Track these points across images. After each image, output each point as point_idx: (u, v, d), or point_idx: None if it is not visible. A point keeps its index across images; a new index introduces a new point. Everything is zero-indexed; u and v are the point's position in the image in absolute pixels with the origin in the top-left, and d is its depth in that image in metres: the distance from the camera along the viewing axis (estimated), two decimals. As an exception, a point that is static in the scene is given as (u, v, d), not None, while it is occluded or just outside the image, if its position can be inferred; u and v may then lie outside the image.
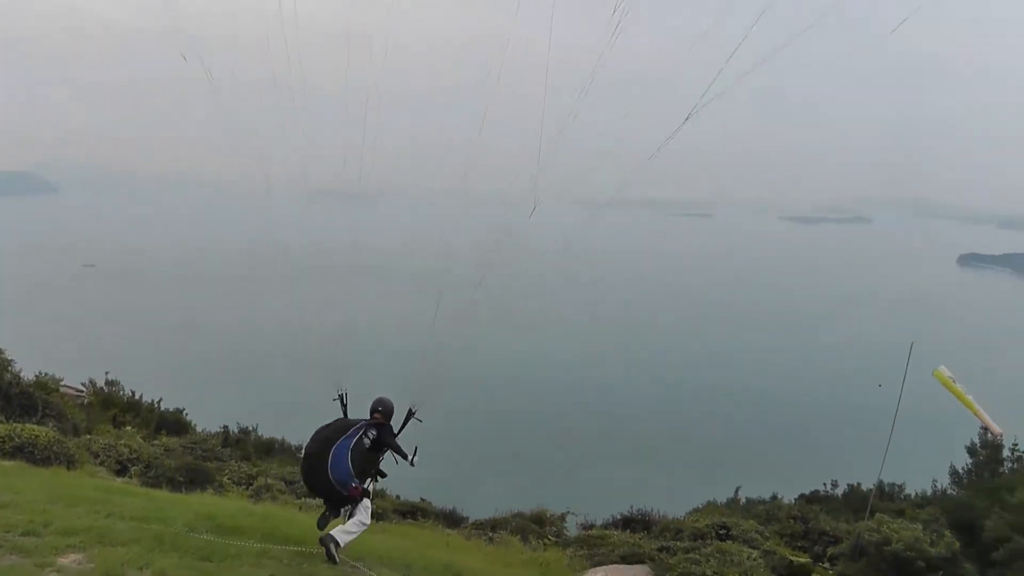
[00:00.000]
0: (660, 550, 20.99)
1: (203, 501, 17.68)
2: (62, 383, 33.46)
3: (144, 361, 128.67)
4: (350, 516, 12.56)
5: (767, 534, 24.39)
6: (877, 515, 22.47)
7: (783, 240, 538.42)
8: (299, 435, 39.00)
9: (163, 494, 18.74)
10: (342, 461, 12.06)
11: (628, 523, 26.85)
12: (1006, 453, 30.95)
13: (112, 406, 35.24)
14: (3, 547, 10.81)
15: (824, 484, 35.14)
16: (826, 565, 22.97)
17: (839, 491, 34.08)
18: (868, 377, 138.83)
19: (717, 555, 19.29)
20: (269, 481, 25.47)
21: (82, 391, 36.70)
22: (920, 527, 20.83)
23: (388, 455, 13.04)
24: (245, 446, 35.18)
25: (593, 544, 22.68)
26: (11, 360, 28.14)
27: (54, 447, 19.96)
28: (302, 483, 14.02)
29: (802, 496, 34.47)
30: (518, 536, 22.79)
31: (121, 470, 24.31)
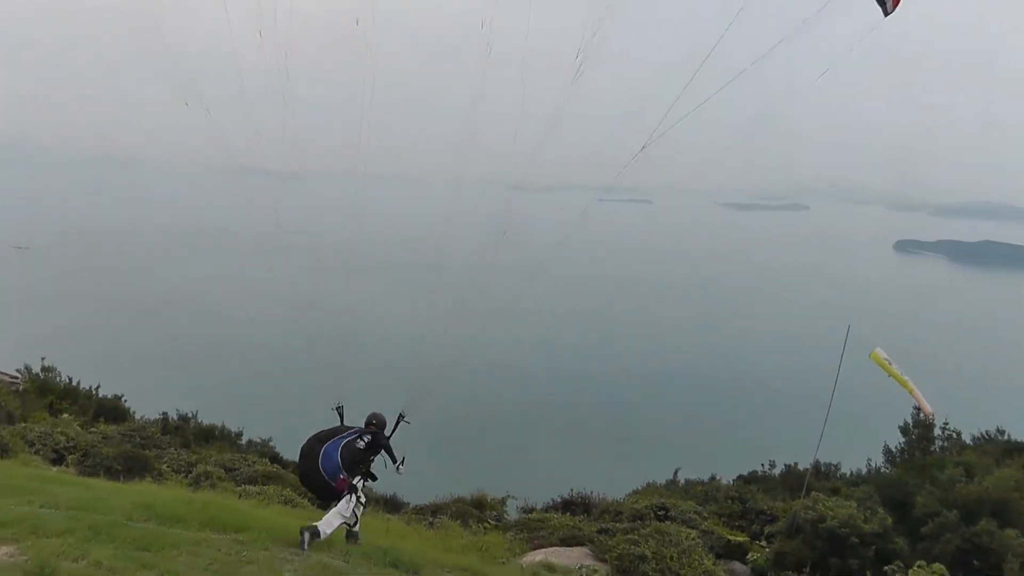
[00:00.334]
0: (600, 532, 21.20)
1: (141, 490, 17.43)
2: (-5, 370, 32.82)
3: (82, 346, 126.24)
4: (330, 510, 13.02)
5: (705, 514, 24.78)
6: (813, 494, 22.94)
7: (722, 226, 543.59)
8: (240, 421, 38.81)
9: (100, 483, 18.44)
10: (331, 456, 12.70)
11: (568, 506, 27.04)
12: (937, 432, 31.75)
13: (48, 393, 34.56)
14: (-69, 539, 10.59)
15: (762, 465, 35.77)
16: (763, 543, 23.39)
17: (776, 471, 34.70)
18: (806, 359, 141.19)
19: (656, 535, 19.55)
20: (209, 468, 25.12)
21: (17, 378, 35.97)
22: (854, 504, 21.32)
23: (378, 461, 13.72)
24: (185, 433, 34.63)
25: (533, 527, 22.80)
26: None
27: (-14, 436, 19.60)
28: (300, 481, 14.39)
29: (740, 477, 35.06)
30: (458, 521, 22.81)
31: (57, 459, 23.94)
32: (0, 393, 28.53)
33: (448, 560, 15.27)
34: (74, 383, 37.22)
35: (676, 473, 36.12)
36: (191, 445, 31.96)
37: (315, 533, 12.53)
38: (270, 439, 36.22)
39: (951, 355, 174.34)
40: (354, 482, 13.11)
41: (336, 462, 12.74)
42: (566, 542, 21.25)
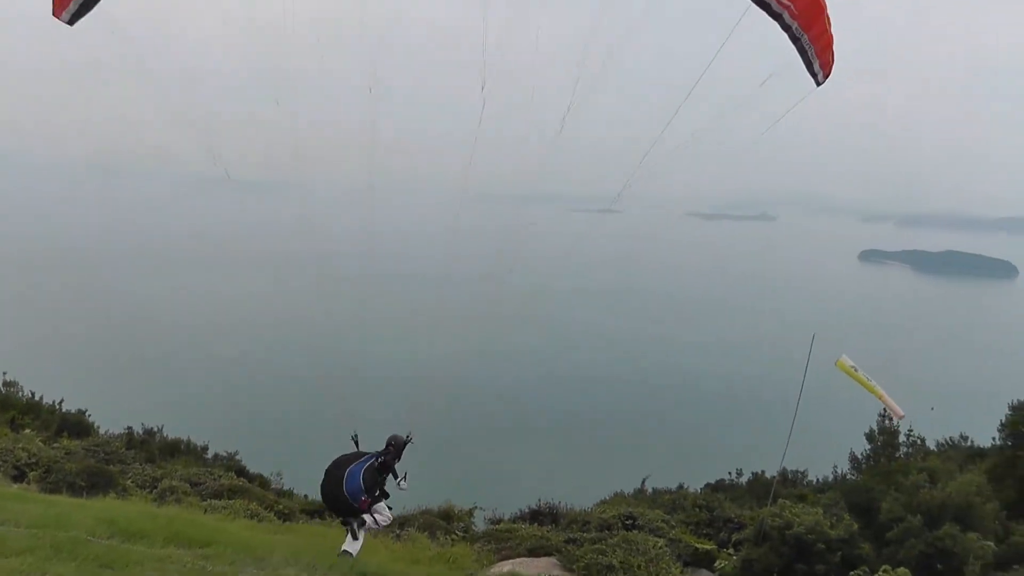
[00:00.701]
0: (567, 542, 21.17)
1: (104, 506, 17.21)
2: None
3: (45, 360, 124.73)
4: (360, 525, 13.97)
5: (673, 523, 24.85)
6: (780, 501, 23.08)
7: (690, 236, 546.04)
8: (206, 435, 38.47)
9: (63, 499, 18.20)
10: (355, 478, 13.71)
11: (536, 516, 26.97)
12: (902, 438, 32.11)
13: (10, 408, 34.05)
14: None
15: (729, 473, 35.97)
16: (730, 551, 23.48)
17: (744, 479, 34.91)
18: (772, 368, 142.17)
19: (623, 545, 19.58)
20: (174, 483, 24.87)
21: (-23, 393, 35.49)
22: (821, 511, 21.49)
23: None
24: (150, 447, 34.28)
25: (501, 538, 22.72)
26: None
27: (-56, 453, 19.29)
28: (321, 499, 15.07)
29: (708, 485, 35.21)
30: (425, 533, 22.68)
31: (19, 476, 23.57)
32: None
33: (415, 572, 15.26)
34: (37, 398, 36.74)
35: (644, 482, 36.18)
36: (156, 460, 31.60)
37: (362, 522, 13.81)
38: (236, 453, 35.93)
39: (915, 363, 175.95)
40: (374, 503, 14.14)
41: (359, 485, 13.70)
42: (534, 552, 21.21)
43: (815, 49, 11.64)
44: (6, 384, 36.76)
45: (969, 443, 33.61)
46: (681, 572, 19.14)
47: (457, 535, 23.76)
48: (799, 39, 11.47)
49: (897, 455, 31.09)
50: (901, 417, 27.25)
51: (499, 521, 26.37)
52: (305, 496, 30.57)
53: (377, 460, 14.22)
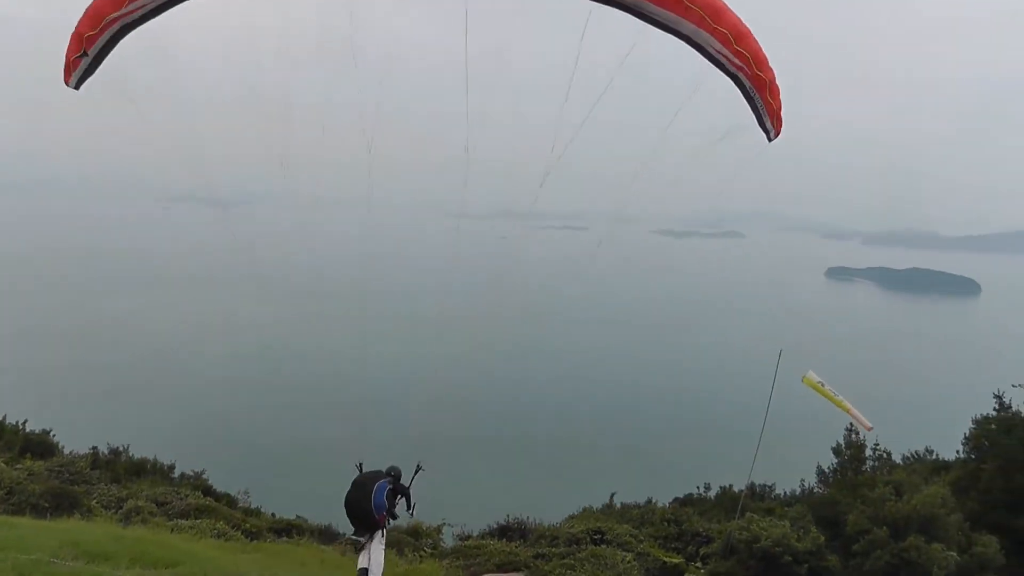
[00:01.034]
0: (536, 557, 21.18)
1: (68, 527, 16.98)
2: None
3: (7, 380, 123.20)
4: (372, 551, 14.94)
5: (641, 537, 24.86)
6: (748, 514, 23.17)
7: (658, 253, 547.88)
8: (172, 454, 38.03)
9: (26, 521, 17.96)
10: (380, 494, 14.84)
11: (505, 532, 26.90)
12: (868, 452, 32.30)
13: (-28, 430, 33.61)
14: None
15: (697, 487, 36.02)
16: (698, 564, 23.53)
17: (712, 493, 34.96)
18: (740, 384, 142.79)
19: (592, 559, 19.62)
20: (140, 503, 24.60)
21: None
22: (788, 524, 21.61)
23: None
24: (115, 467, 33.80)
25: (470, 555, 22.68)
26: None
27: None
28: (345, 513, 15.60)
29: (676, 499, 35.22)
30: (394, 550, 22.57)
31: (-20, 498, 23.20)
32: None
33: (384, 590, 15.15)
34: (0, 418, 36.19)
35: (612, 497, 36.12)
36: (122, 480, 31.18)
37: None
38: (203, 471, 35.53)
39: (882, 378, 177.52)
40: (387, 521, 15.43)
41: (383, 501, 14.86)
42: (503, 568, 21.19)
43: (767, 110, 12.25)
44: (-32, 405, 36.16)
45: (934, 456, 33.91)
46: (649, 585, 19.17)
47: (426, 552, 23.67)
48: (752, 98, 12.16)
49: (863, 468, 31.23)
50: (869, 429, 27.42)
51: (468, 537, 26.28)
52: (272, 514, 30.32)
53: (389, 485, 15.31)
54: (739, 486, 32.41)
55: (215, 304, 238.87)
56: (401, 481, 15.81)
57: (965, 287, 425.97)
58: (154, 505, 25.04)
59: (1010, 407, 27.27)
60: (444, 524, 27.63)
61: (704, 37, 11.35)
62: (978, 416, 28.91)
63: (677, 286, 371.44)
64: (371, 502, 14.74)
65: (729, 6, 11.34)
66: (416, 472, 16.01)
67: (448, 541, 26.33)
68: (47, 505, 22.04)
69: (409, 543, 24.16)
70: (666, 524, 26.95)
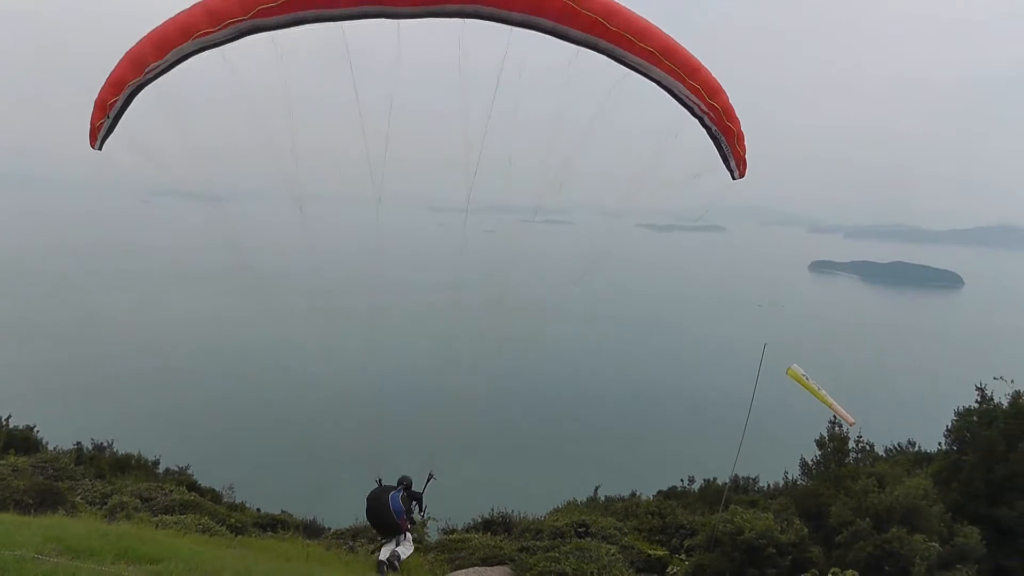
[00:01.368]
0: (520, 550, 21.17)
1: (52, 523, 16.86)
2: None
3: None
4: (398, 544, 16.47)
5: (625, 530, 24.92)
6: (731, 507, 23.23)
7: (642, 246, 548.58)
8: (156, 450, 37.91)
9: (9, 517, 17.83)
10: (398, 501, 16.30)
11: (489, 525, 26.98)
12: (851, 444, 32.46)
13: (-46, 426, 33.37)
14: None
15: (681, 480, 36.17)
16: (683, 557, 23.61)
17: (696, 486, 35.10)
18: (724, 377, 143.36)
19: (576, 552, 19.63)
20: (124, 499, 24.50)
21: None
22: (771, 516, 21.67)
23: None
24: (100, 463, 33.67)
25: (454, 548, 22.72)
26: None
27: None
28: (368, 521, 17.28)
29: (660, 492, 35.34)
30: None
31: (-37, 494, 23.06)
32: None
33: (369, 584, 15.18)
34: (-18, 414, 35.95)
35: (596, 490, 36.22)
36: (106, 475, 31.07)
37: (392, 565, 16.02)
38: (188, 466, 35.46)
39: (865, 370, 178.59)
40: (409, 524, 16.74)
41: (400, 507, 16.30)
42: (487, 562, 21.22)
43: (733, 154, 13.44)
44: (-50, 401, 35.90)
45: (916, 448, 34.16)
46: (633, 578, 19.21)
47: (410, 545, 23.63)
48: (718, 139, 13.28)
49: (846, 460, 31.39)
50: (852, 424, 27.52)
51: (452, 531, 26.34)
52: (258, 509, 30.27)
53: (402, 493, 16.65)
54: (723, 479, 32.55)
55: (199, 299, 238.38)
56: (413, 488, 17.05)
57: (948, 280, 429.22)
58: (139, 501, 24.92)
59: (992, 399, 27.38)
60: (428, 518, 27.65)
61: (680, 88, 12.57)
62: (960, 408, 29.05)
63: (661, 280, 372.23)
64: (391, 509, 16.18)
65: (703, 64, 12.50)
66: (428, 481, 17.21)
67: (432, 535, 26.36)
68: (31, 501, 21.92)
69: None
70: (650, 517, 27.03)
